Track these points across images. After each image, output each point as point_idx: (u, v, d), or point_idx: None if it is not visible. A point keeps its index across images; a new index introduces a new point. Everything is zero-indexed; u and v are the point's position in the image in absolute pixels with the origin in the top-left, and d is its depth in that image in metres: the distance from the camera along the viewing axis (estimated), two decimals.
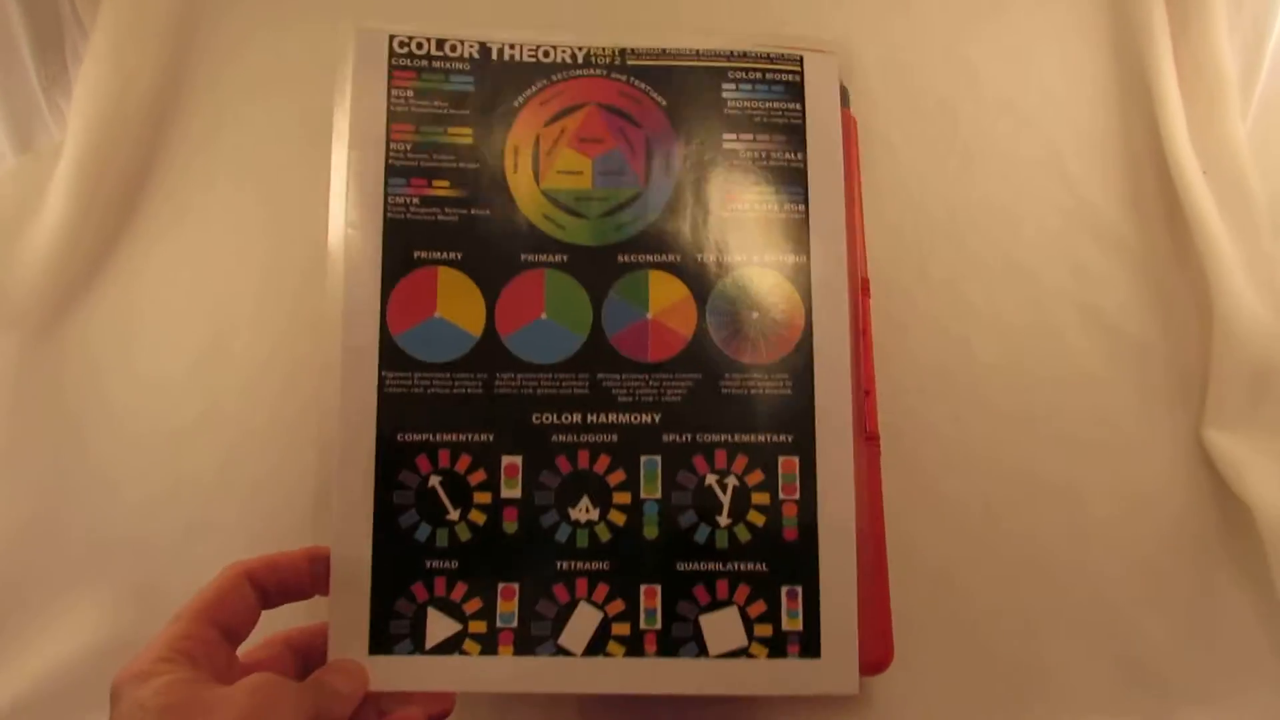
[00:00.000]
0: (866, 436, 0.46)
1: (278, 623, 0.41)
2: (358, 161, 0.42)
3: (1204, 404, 0.53)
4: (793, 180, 0.43)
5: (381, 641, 0.40)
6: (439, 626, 0.40)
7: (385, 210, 0.42)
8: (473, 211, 0.42)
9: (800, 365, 0.42)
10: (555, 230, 0.43)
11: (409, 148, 0.43)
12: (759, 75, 0.44)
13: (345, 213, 0.42)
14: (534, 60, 0.44)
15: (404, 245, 0.42)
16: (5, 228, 0.55)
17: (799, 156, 0.43)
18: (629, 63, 0.44)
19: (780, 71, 0.44)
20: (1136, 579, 0.51)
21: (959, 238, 0.54)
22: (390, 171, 0.42)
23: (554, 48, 0.44)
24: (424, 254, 0.42)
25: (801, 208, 0.43)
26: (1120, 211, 0.55)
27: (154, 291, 0.54)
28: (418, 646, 0.40)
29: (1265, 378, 0.51)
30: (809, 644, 0.40)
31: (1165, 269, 0.54)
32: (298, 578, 0.40)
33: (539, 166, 0.43)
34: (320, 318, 0.42)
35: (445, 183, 0.42)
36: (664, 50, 0.44)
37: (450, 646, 0.40)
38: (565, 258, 0.42)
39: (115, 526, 0.50)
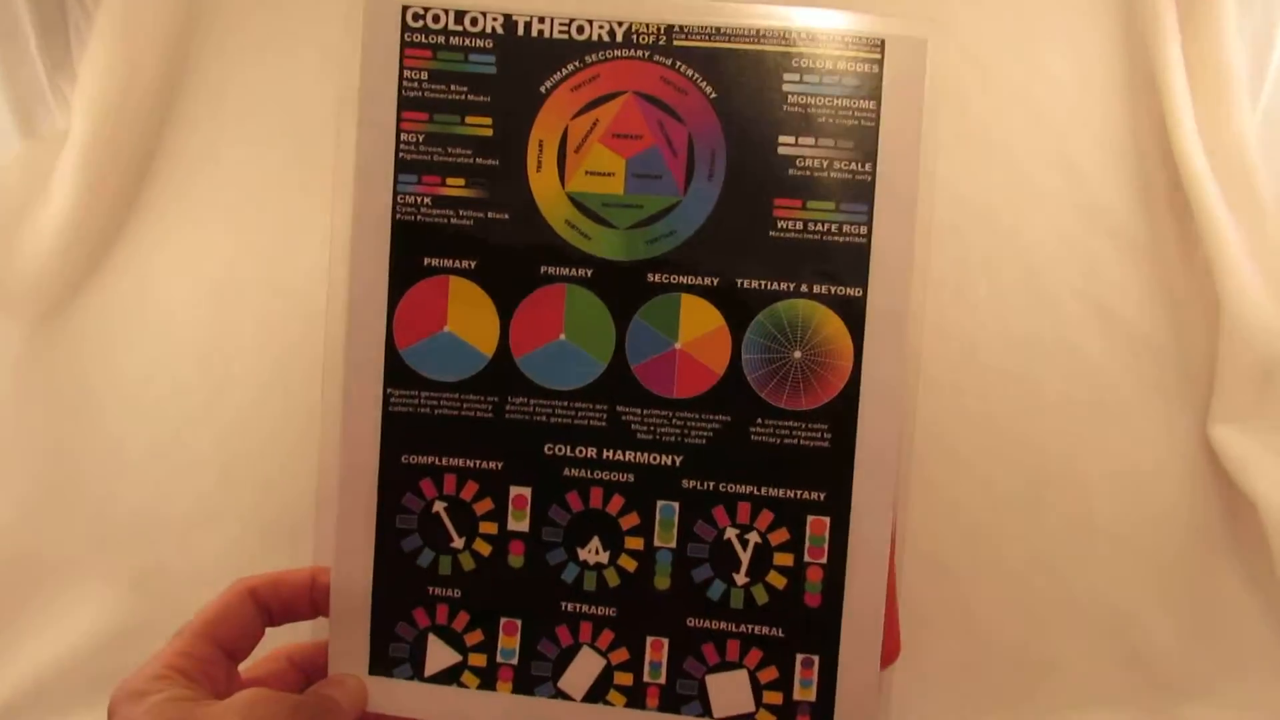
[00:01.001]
0: None
1: (283, 640, 0.40)
2: (364, 154, 0.38)
3: (1211, 399, 0.53)
4: (857, 196, 0.37)
5: (381, 663, 0.39)
6: (439, 655, 0.39)
7: (394, 211, 0.38)
8: (489, 215, 0.38)
9: (842, 415, 0.37)
10: (580, 240, 0.38)
11: (421, 139, 0.38)
12: (829, 64, 0.37)
13: (350, 212, 0.38)
14: (565, 37, 0.38)
15: (413, 251, 0.38)
16: (11, 213, 0.54)
17: (867, 168, 0.37)
18: (675, 43, 0.37)
19: (855, 60, 0.37)
20: (1141, 574, 0.52)
21: (966, 233, 0.53)
22: (400, 166, 0.38)
23: (590, 22, 0.38)
24: (435, 261, 0.38)
25: (864, 230, 0.37)
26: (1129, 207, 0.54)
27: (159, 276, 0.54)
28: (417, 673, 0.39)
29: (1272, 374, 0.51)
30: (821, 716, 0.37)
31: (1173, 265, 0.54)
32: (301, 598, 0.39)
33: (565, 165, 0.38)
34: (325, 304, 0.39)
35: (460, 181, 0.38)
36: (718, 29, 0.37)
37: (449, 677, 0.39)
38: (589, 273, 0.38)
39: (121, 511, 0.51)
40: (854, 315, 0.37)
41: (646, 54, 0.37)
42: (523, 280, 0.38)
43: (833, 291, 0.37)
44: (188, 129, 0.55)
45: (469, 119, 0.38)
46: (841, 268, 0.37)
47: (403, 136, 0.38)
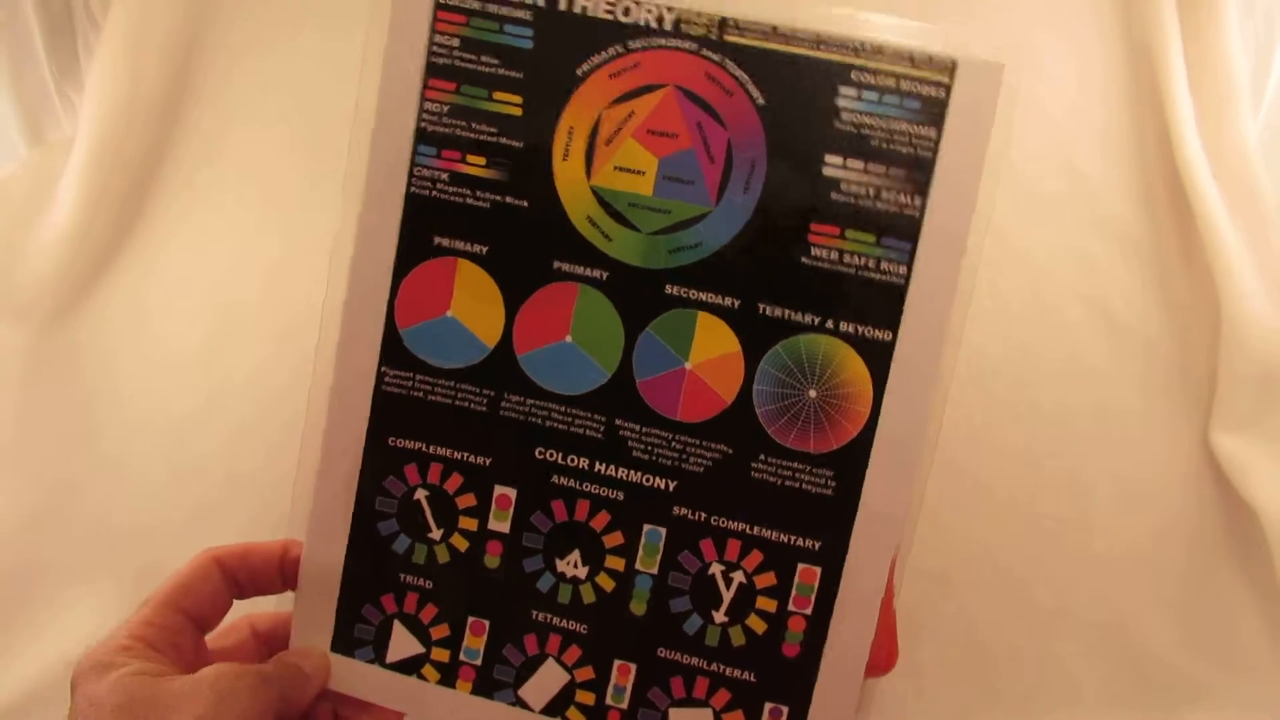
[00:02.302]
0: None
1: (246, 611, 0.40)
2: (383, 119, 0.36)
3: (1211, 406, 0.52)
4: (902, 231, 0.34)
5: (344, 642, 0.38)
6: (402, 643, 0.38)
7: (409, 183, 0.36)
8: (508, 200, 0.36)
9: (851, 464, 0.34)
10: (599, 239, 0.35)
11: (445, 111, 0.36)
12: (892, 82, 0.33)
13: (362, 180, 0.36)
14: (610, 17, 0.35)
15: (424, 227, 0.36)
16: (17, 220, 0.54)
17: (916, 202, 0.33)
18: (727, 38, 0.34)
19: (922, 81, 0.33)
20: (1141, 581, 0.51)
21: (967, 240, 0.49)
22: (420, 137, 0.36)
23: (637, 3, 0.34)
24: (445, 241, 0.36)
25: (904, 270, 0.34)
26: (1130, 211, 0.53)
27: (164, 284, 0.54)
28: (379, 657, 0.38)
29: (1273, 381, 0.50)
30: None
31: (1174, 269, 0.53)
32: (270, 570, 0.38)
33: (594, 157, 0.35)
34: (327, 310, 0.38)
35: (481, 160, 0.36)
36: (775, 28, 0.34)
37: (410, 667, 0.38)
38: (605, 275, 0.35)
39: (123, 515, 0.52)
40: (879, 360, 0.34)
41: (695, 46, 0.34)
42: (534, 273, 0.36)
43: (860, 332, 0.34)
44: (194, 138, 0.55)
45: (497, 95, 0.35)
46: (873, 307, 0.34)
47: (426, 105, 0.36)
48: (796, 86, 0.34)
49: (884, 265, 0.34)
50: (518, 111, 0.35)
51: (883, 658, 0.40)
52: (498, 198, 0.36)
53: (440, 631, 0.38)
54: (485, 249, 0.36)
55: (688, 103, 0.35)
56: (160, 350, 0.53)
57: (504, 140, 0.35)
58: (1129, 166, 0.53)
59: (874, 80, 0.33)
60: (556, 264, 0.36)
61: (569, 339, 0.36)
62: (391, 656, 0.38)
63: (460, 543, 0.37)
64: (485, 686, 0.38)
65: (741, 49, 0.34)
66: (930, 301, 0.34)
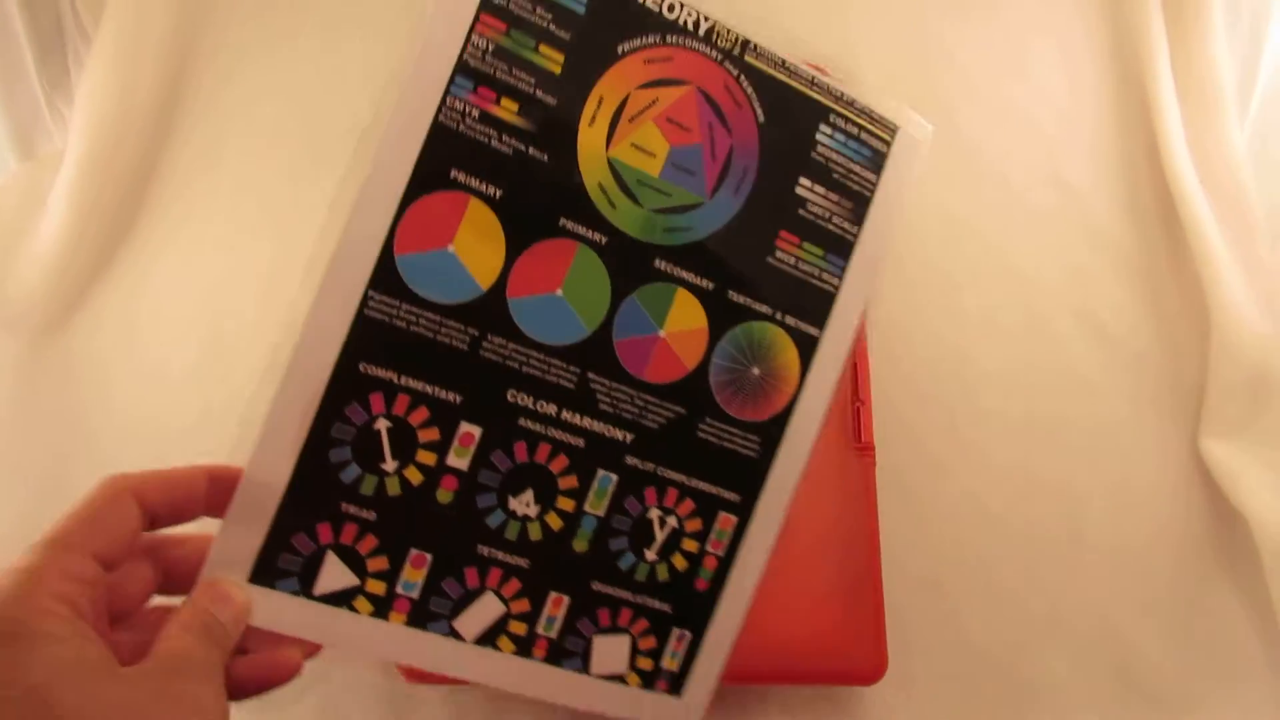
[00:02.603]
0: (860, 447, 0.47)
1: None
2: (429, 43, 0.35)
3: (1201, 413, 0.53)
4: (841, 251, 0.42)
5: (265, 573, 0.36)
6: (334, 575, 0.37)
7: (438, 110, 0.35)
8: (530, 151, 0.37)
9: (774, 436, 0.42)
10: (605, 206, 0.38)
11: (490, 49, 0.35)
12: (855, 130, 0.41)
13: (394, 99, 0.34)
14: (657, 9, 0.38)
15: (444, 158, 0.36)
16: (8, 233, 0.55)
17: (853, 230, 0.42)
18: (747, 58, 0.39)
19: (873, 135, 0.42)
20: (1131, 588, 0.51)
21: (956, 246, 0.54)
22: (460, 68, 0.35)
23: (682, 4, 0.38)
24: (462, 177, 0.36)
25: (837, 281, 0.42)
26: (1118, 220, 0.54)
27: (156, 296, 0.54)
28: (304, 589, 0.36)
29: (1262, 388, 0.51)
30: (676, 684, 0.42)
31: (1163, 278, 0.54)
32: (193, 498, 0.34)
33: (616, 130, 0.38)
34: (339, 189, 0.38)
35: (514, 106, 0.36)
36: (784, 62, 0.40)
37: (341, 599, 0.37)
38: (604, 240, 0.38)
39: None
40: (807, 350, 0.42)
41: (720, 57, 0.39)
42: (541, 225, 0.37)
43: (799, 326, 0.41)
44: (185, 150, 0.56)
45: (543, 48, 0.36)
46: (812, 307, 0.41)
47: (474, 39, 0.35)
48: (789, 114, 0.40)
49: (824, 275, 0.42)
50: (557, 70, 0.37)
51: (873, 666, 0.45)
52: (521, 147, 0.36)
53: (378, 564, 0.37)
54: (499, 193, 0.36)
55: (704, 104, 0.39)
56: (153, 361, 0.53)
57: (539, 94, 0.36)
58: (1117, 177, 0.55)
59: (844, 125, 0.41)
60: (563, 221, 0.38)
61: (559, 292, 0.38)
62: (320, 589, 0.36)
63: (415, 476, 0.37)
64: (420, 619, 0.38)
65: (755, 71, 0.39)
66: (850, 310, 0.42)
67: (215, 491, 0.35)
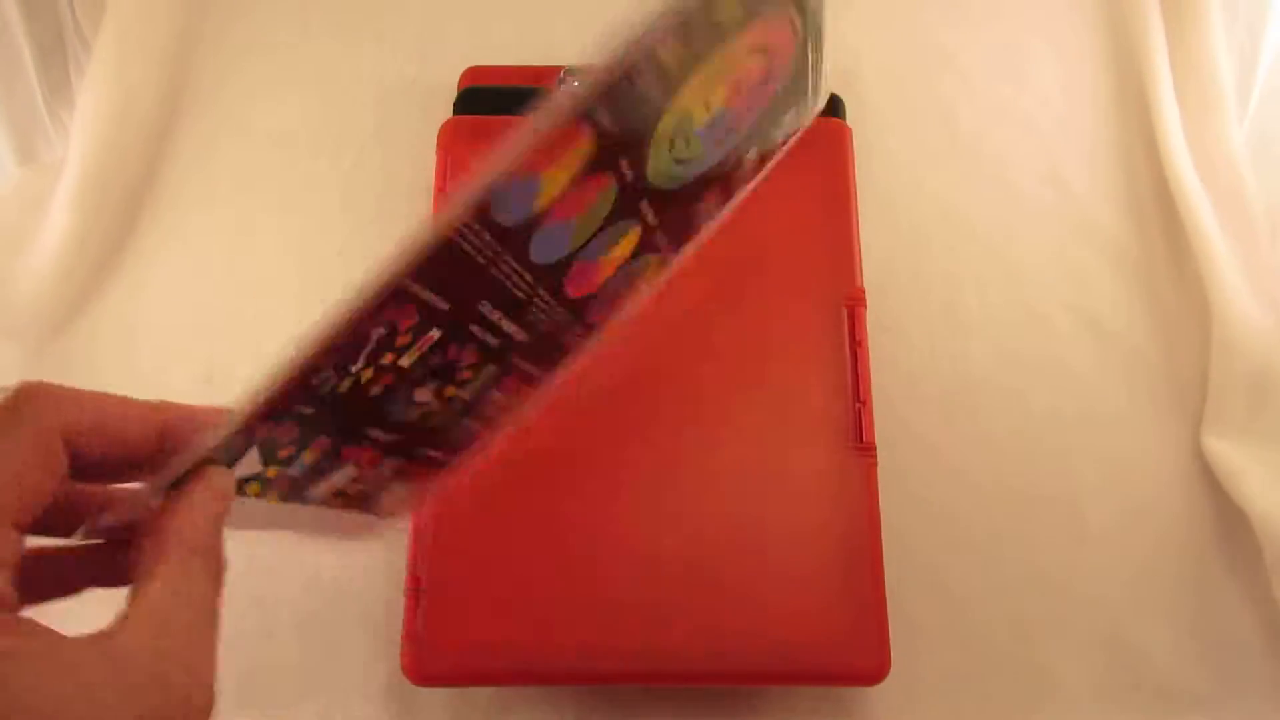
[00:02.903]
0: (862, 447, 0.46)
1: None
2: None
3: (1202, 412, 0.52)
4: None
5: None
6: (246, 465, 0.31)
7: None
8: (640, 87, 0.31)
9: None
10: (655, 149, 0.34)
11: None
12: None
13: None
14: None
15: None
16: (8, 240, 0.54)
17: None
18: (809, 34, 0.38)
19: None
20: (1134, 587, 0.50)
21: (956, 246, 0.55)
22: None
23: None
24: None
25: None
26: (1118, 219, 0.55)
27: (157, 304, 0.54)
28: None
29: (1263, 386, 0.50)
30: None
31: (1163, 277, 0.54)
32: (139, 450, 0.28)
33: (697, 82, 0.34)
34: None
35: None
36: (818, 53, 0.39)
37: (239, 487, 0.31)
38: (630, 178, 0.35)
39: None
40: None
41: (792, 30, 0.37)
42: (612, 161, 0.32)
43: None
44: (186, 156, 0.57)
45: None
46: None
47: None
48: (783, 98, 0.40)
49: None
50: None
51: (876, 666, 0.44)
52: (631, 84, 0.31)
53: (286, 451, 0.32)
54: (598, 130, 0.31)
55: (765, 78, 0.37)
56: (153, 371, 0.53)
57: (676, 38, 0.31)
58: (1116, 174, 0.54)
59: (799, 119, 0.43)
60: (621, 161, 0.33)
61: (574, 220, 0.34)
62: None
63: (367, 374, 0.32)
64: (291, 494, 0.34)
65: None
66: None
67: (174, 431, 0.28)
